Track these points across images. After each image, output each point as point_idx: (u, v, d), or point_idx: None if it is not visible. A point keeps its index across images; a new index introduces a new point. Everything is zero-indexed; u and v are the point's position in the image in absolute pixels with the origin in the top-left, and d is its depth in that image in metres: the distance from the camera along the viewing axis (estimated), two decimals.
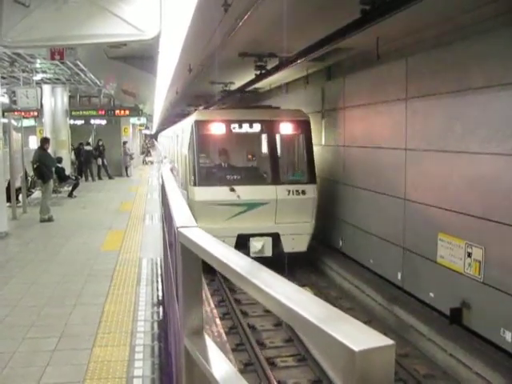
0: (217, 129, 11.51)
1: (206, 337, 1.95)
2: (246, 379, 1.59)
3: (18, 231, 11.65)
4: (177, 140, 16.36)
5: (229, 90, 16.58)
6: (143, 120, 32.47)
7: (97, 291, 6.93)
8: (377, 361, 0.86)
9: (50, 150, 21.49)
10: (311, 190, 11.50)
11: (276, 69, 11.00)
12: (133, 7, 5.38)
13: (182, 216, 2.29)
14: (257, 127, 11.72)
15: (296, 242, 11.39)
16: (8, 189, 12.54)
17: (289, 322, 1.09)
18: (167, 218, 3.77)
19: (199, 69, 12.61)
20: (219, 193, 11.01)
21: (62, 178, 17.62)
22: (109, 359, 4.78)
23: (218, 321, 5.35)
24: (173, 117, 33.46)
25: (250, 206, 11.07)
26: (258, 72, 11.72)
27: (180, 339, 2.11)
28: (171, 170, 10.72)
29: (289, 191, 11.23)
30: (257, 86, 14.50)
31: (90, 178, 24.36)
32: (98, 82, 20.26)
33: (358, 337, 0.88)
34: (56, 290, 7.04)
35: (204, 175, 11.57)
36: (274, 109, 12.93)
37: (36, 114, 20.90)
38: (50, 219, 12.74)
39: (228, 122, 11.49)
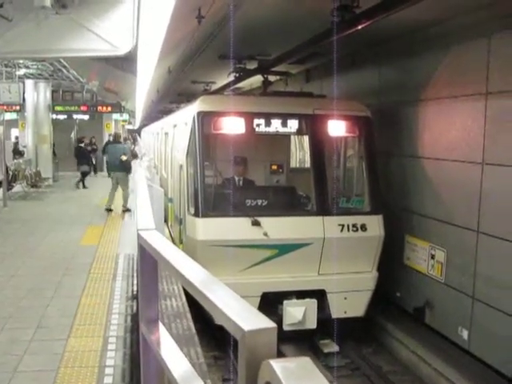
0: (232, 126, 7.77)
1: (161, 326, 2.27)
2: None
3: None
4: (165, 140, 12.45)
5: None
6: (125, 116, 32.61)
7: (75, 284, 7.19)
8: (262, 339, 1.18)
9: (30, 144, 21.47)
10: (375, 225, 7.92)
11: (255, 71, 11.29)
12: (108, 24, 5.74)
13: (143, 218, 2.60)
14: (293, 125, 8.08)
15: (350, 302, 7.87)
16: None
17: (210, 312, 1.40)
18: None
19: (179, 70, 12.83)
20: (235, 228, 7.42)
21: None
22: (83, 349, 5.06)
23: (188, 315, 5.62)
24: (155, 113, 33.50)
25: (283, 248, 7.55)
26: (238, 74, 11.96)
27: (138, 327, 2.43)
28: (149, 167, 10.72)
29: (342, 226, 7.73)
30: (238, 85, 14.73)
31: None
32: (81, 79, 20.44)
33: (249, 319, 1.20)
34: (35, 283, 7.28)
35: (211, 200, 7.87)
36: (316, 98, 9.08)
37: (18, 108, 21.01)
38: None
39: (250, 116, 7.84)
